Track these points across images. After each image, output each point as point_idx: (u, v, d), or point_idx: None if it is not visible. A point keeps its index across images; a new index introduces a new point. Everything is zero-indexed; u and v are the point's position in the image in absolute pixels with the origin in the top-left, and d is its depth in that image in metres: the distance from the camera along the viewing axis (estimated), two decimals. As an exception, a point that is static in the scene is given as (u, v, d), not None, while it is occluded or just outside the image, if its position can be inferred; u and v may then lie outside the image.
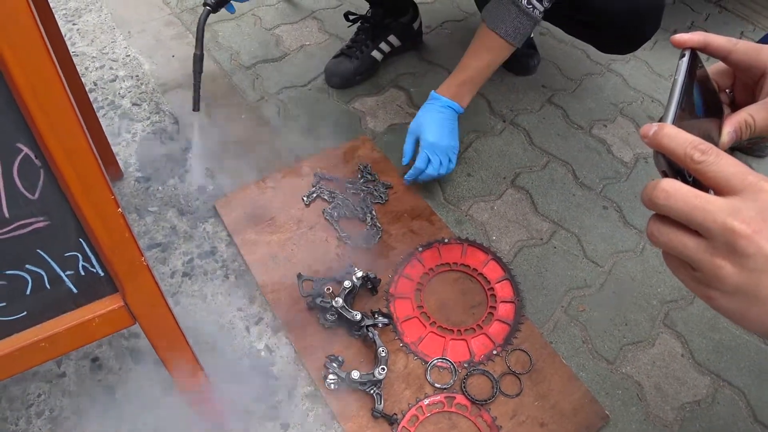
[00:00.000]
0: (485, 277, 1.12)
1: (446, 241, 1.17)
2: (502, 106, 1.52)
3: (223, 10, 1.20)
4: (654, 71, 1.71)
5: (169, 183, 1.30)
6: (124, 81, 1.59)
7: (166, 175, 1.32)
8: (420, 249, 1.15)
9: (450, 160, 1.22)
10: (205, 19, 1.15)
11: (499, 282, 1.12)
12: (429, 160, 1.19)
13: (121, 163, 1.34)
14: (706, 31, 0.58)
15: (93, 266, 0.64)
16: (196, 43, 1.15)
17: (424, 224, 1.20)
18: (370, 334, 0.96)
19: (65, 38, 1.50)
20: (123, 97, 1.54)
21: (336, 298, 0.98)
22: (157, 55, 1.67)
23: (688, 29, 1.85)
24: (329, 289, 1.00)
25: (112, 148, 1.35)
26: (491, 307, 1.08)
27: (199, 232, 1.20)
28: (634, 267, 1.20)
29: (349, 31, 1.60)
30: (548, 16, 1.16)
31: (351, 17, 1.53)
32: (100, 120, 1.35)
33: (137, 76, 1.60)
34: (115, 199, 0.57)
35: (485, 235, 1.22)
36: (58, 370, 1.00)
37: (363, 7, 1.57)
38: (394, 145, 1.39)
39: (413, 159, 1.22)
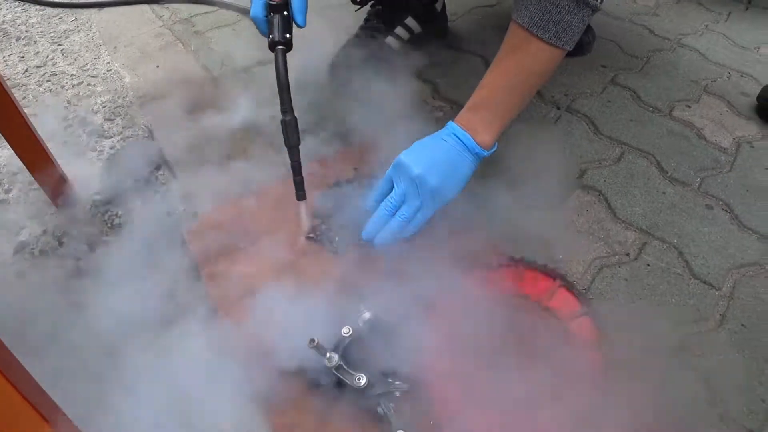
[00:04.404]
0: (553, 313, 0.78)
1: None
2: (554, 91, 1.20)
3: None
4: (735, 43, 1.37)
5: (132, 206, 1.02)
6: (100, 96, 1.35)
7: (130, 197, 1.04)
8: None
9: (425, 206, 0.78)
10: (285, 62, 0.75)
11: (574, 319, 0.78)
12: (394, 194, 0.78)
13: (78, 185, 1.07)
14: None
15: None
16: (282, 103, 0.75)
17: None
18: (382, 408, 0.63)
19: (48, 59, 1.45)
20: (96, 113, 1.29)
21: (330, 354, 0.64)
22: (141, 68, 1.44)
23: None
24: (314, 341, 0.64)
25: (72, 168, 1.10)
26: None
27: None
28: (767, 288, 0.84)
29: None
30: None
31: (358, -3, 1.26)
32: (66, 140, 1.20)
33: (115, 90, 1.37)
34: None
35: (548, 254, 0.89)
36: None
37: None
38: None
39: None
